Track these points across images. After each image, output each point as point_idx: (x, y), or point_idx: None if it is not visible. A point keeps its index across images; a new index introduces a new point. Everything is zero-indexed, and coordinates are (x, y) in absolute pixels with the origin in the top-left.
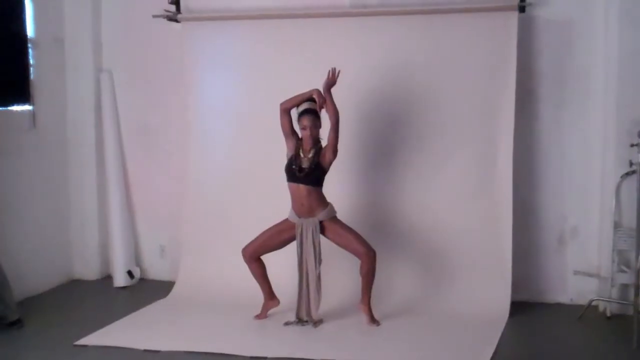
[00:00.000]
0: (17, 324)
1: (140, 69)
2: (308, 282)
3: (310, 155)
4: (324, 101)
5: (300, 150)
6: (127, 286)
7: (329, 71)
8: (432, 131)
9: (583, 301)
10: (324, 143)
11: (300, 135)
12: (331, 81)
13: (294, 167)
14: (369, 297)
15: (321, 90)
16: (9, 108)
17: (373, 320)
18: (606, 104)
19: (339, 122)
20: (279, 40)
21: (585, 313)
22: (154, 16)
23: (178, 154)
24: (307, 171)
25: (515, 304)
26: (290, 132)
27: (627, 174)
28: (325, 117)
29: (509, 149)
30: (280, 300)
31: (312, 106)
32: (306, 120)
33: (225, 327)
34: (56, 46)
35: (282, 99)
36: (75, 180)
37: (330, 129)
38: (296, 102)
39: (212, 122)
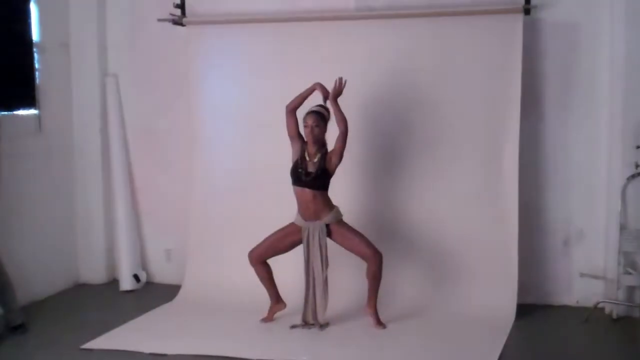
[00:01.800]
0: (20, 328)
1: (146, 72)
2: (315, 286)
3: (316, 159)
4: (328, 93)
5: (306, 154)
6: (134, 290)
7: (335, 81)
8: (438, 134)
9: (589, 303)
10: (329, 147)
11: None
12: (337, 91)
13: (300, 170)
14: (375, 300)
15: (328, 97)
16: (15, 112)
17: (379, 323)
18: (612, 106)
19: (347, 130)
20: (285, 44)
21: (592, 315)
22: (159, 20)
23: (184, 158)
24: (314, 175)
25: (521, 306)
26: (296, 135)
27: (633, 176)
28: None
29: (514, 152)
30: (287, 304)
31: (319, 109)
32: (309, 119)
33: (231, 330)
34: (62, 50)
35: (288, 102)
36: (81, 184)
37: (339, 135)
38: (300, 100)
39: (217, 125)
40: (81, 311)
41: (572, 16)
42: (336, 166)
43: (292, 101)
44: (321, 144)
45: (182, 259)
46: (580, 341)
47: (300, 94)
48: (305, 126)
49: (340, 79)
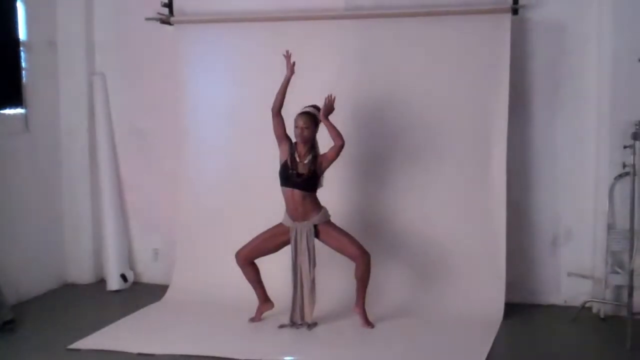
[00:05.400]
0: (10, 323)
1: (133, 71)
2: (302, 286)
3: (307, 160)
4: (290, 59)
5: (296, 155)
6: (121, 290)
7: (325, 98)
8: (426, 133)
9: (577, 303)
10: (320, 148)
11: (293, 140)
12: (328, 108)
13: (291, 171)
14: (364, 300)
15: (321, 117)
16: (2, 111)
17: (367, 322)
18: (599, 105)
19: (343, 145)
20: (273, 43)
21: (579, 314)
22: (147, 19)
23: (171, 157)
24: (305, 177)
25: (509, 305)
26: (283, 136)
27: (621, 175)
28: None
29: (502, 151)
30: (275, 303)
31: (311, 110)
32: (300, 121)
33: (219, 330)
34: (49, 49)
35: (272, 105)
36: (69, 184)
37: (334, 146)
38: (280, 97)
39: (205, 125)
40: (68, 311)
41: (560, 16)
42: (325, 169)
43: (275, 101)
44: (311, 144)
45: (170, 259)
46: (568, 340)
47: (279, 91)
48: (295, 127)
49: (330, 95)
